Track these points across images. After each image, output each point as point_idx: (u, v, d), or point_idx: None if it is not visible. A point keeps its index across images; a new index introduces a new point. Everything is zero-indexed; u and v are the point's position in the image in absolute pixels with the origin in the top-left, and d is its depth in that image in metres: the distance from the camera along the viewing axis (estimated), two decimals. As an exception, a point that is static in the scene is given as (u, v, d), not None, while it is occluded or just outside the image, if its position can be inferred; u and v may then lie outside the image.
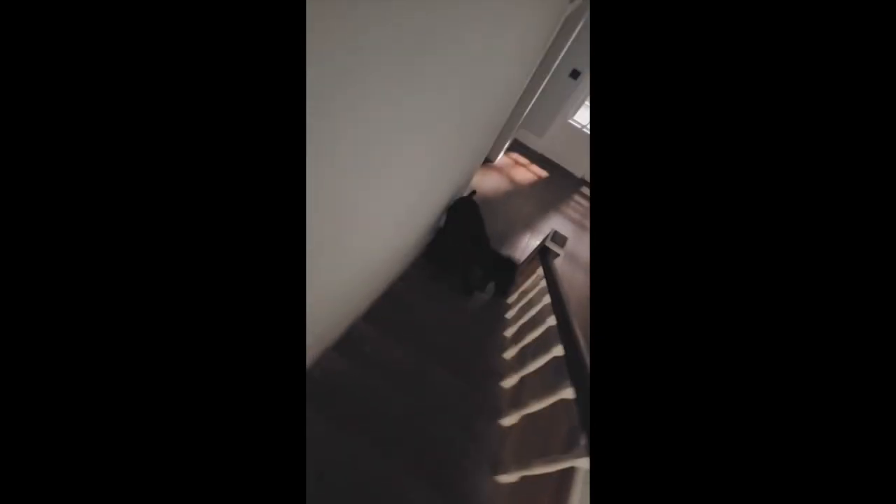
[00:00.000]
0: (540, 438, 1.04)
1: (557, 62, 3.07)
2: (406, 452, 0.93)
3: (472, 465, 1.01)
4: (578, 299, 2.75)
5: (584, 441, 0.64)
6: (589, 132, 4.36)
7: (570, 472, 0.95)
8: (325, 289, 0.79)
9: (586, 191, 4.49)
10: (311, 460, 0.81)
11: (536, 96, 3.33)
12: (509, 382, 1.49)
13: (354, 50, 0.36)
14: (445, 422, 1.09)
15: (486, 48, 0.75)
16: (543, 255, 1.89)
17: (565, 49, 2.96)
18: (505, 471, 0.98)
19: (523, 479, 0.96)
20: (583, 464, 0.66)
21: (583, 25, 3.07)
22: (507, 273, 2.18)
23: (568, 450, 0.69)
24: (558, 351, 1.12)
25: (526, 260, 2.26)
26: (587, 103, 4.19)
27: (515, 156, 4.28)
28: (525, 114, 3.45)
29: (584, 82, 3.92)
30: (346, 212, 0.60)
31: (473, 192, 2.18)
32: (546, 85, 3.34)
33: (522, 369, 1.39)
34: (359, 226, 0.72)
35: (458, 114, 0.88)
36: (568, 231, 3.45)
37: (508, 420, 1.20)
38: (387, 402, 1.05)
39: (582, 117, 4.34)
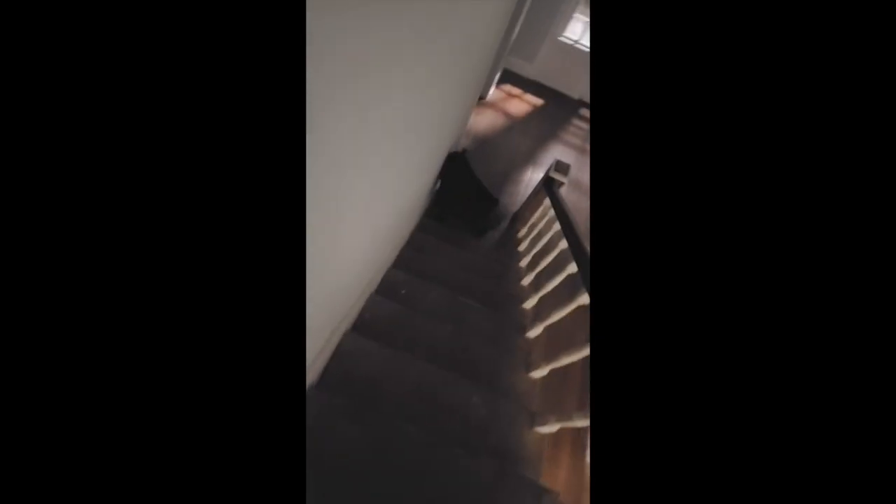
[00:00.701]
0: (563, 339, 1.23)
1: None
2: (455, 365, 1.14)
3: (508, 369, 1.22)
4: (586, 225, 2.87)
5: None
6: (582, 47, 4.13)
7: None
8: (363, 241, 0.93)
9: (585, 113, 4.37)
10: (379, 377, 1.02)
11: (522, 18, 3.15)
12: (530, 304, 1.69)
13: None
14: (481, 340, 1.29)
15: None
16: (549, 185, 1.98)
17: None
18: (536, 368, 1.19)
19: (552, 371, 1.17)
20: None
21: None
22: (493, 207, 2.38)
23: (585, 341, 0.86)
24: (572, 269, 1.27)
25: (532, 193, 2.35)
26: (575, 16, 3.92)
27: (508, 87, 4.13)
28: (513, 40, 3.29)
29: (572, -8, 3.64)
30: (368, 173, 0.70)
31: (464, 151, 2.24)
32: (530, 4, 3.13)
33: (540, 291, 1.57)
34: (377, 185, 0.82)
35: (449, 60, 0.93)
36: (570, 158, 3.46)
37: (533, 332, 1.41)
38: (433, 332, 1.25)
39: (572, 32, 4.09)
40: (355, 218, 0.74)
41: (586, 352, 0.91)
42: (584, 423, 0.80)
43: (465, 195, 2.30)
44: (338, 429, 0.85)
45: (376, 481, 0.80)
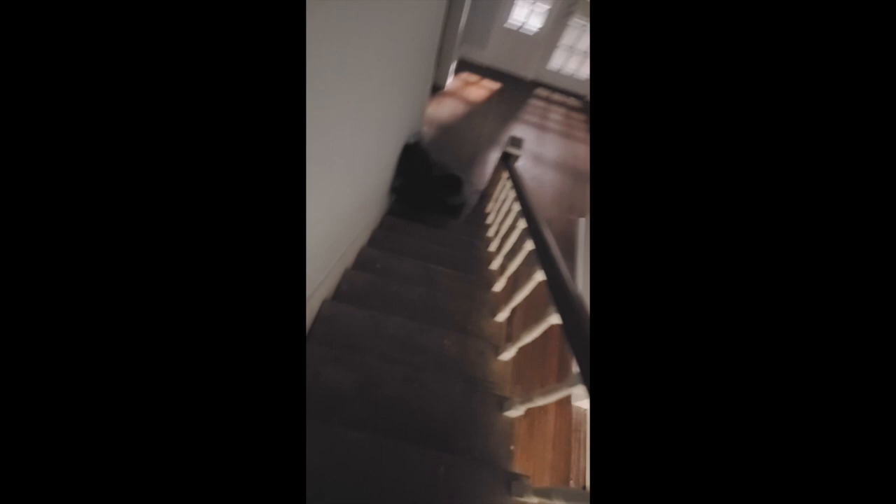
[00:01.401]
0: (521, 284, 1.37)
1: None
2: (431, 318, 1.28)
3: (476, 316, 1.37)
4: (552, 196, 3.04)
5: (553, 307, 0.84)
6: (528, 31, 4.30)
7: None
8: (336, 219, 1.06)
9: (540, 92, 4.56)
10: (358, 332, 1.15)
11: (467, 8, 3.29)
12: (496, 264, 1.84)
13: None
14: (452, 297, 1.44)
15: None
16: (505, 160, 2.13)
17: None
18: (499, 312, 1.34)
19: (512, 312, 1.33)
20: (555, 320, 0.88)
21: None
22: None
23: (545, 315, 0.92)
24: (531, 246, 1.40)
25: (494, 170, 2.50)
26: (518, 2, 4.08)
27: (465, 75, 4.28)
28: (461, 29, 3.43)
29: (512, -22, 3.80)
30: (334, 162, 0.82)
31: (416, 142, 2.23)
32: (473, -8, 3.28)
33: (503, 251, 1.73)
34: (340, 171, 0.94)
35: (383, 54, 1.07)
36: (530, 134, 3.64)
37: (499, 286, 1.56)
38: (407, 295, 1.39)
39: (517, 18, 4.26)
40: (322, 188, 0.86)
41: (535, 284, 1.07)
42: (531, 337, 0.96)
43: (428, 184, 2.33)
44: (322, 373, 0.99)
45: (361, 412, 0.93)
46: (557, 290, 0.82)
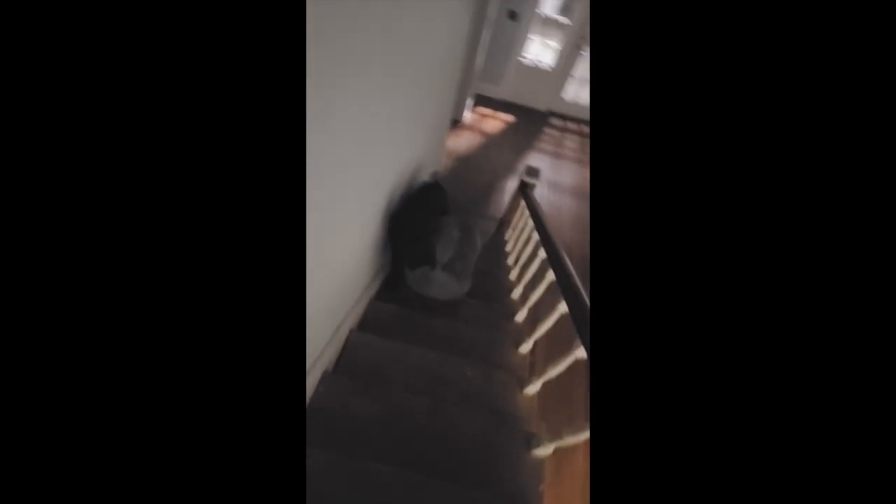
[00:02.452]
0: (543, 313, 1.36)
1: (496, 9, 3.20)
2: (451, 348, 1.29)
3: (500, 347, 1.37)
4: (570, 222, 3.04)
5: (577, 340, 0.84)
6: (542, 65, 4.48)
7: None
8: (349, 244, 1.11)
9: (554, 122, 4.67)
10: (382, 363, 1.17)
11: (486, 47, 3.48)
12: (517, 293, 1.84)
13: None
14: (475, 327, 1.44)
15: (423, 20, 0.94)
16: (522, 189, 2.17)
17: (495, -6, 3.08)
18: (523, 343, 1.34)
19: (535, 344, 1.32)
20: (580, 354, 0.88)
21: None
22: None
23: (570, 348, 0.93)
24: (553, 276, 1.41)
25: (511, 198, 2.55)
26: (532, 37, 4.28)
27: (481, 109, 4.45)
28: (478, 67, 3.61)
29: (523, 20, 4.02)
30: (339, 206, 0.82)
31: (434, 175, 1.86)
32: (492, 35, 3.47)
33: (523, 279, 1.73)
34: (346, 214, 0.93)
35: (412, 89, 1.14)
36: (545, 162, 3.70)
37: (521, 316, 1.56)
38: (428, 322, 1.41)
39: (531, 53, 4.45)
40: (342, 223, 0.92)
41: (558, 315, 1.07)
42: (556, 371, 0.95)
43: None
44: (350, 405, 1.00)
45: (387, 444, 0.93)
46: (582, 324, 0.82)
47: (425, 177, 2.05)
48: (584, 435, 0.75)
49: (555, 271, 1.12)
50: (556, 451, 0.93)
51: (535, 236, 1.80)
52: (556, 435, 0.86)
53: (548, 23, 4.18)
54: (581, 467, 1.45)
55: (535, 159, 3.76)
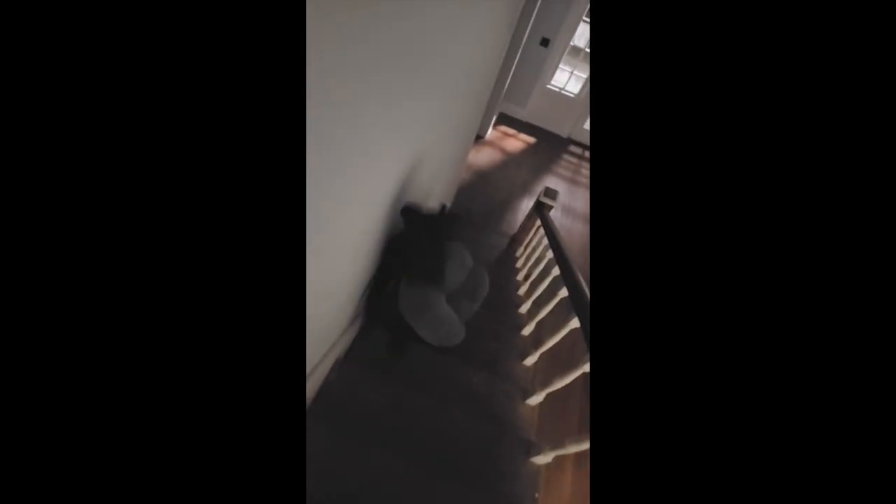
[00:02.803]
0: (549, 328, 1.39)
1: (528, 33, 3.32)
2: (465, 354, 1.32)
3: (507, 355, 1.40)
4: (580, 247, 3.09)
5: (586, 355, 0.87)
6: (568, 93, 4.60)
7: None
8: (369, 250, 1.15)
9: (573, 149, 4.76)
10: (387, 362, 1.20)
11: (514, 69, 3.59)
12: (525, 308, 1.87)
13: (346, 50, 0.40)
14: (487, 339, 1.48)
15: (468, 38, 0.94)
16: (539, 209, 2.23)
17: (532, 19, 3.21)
18: (530, 355, 1.36)
19: (542, 355, 1.34)
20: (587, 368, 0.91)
21: (544, -4, 3.30)
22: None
23: (577, 363, 0.97)
24: (557, 272, 1.47)
25: (526, 217, 2.60)
26: (560, 66, 4.41)
27: (503, 128, 4.55)
28: (506, 87, 3.72)
29: (554, 48, 4.15)
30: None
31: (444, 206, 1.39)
32: (520, 57, 3.59)
33: (533, 294, 1.77)
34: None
35: (449, 100, 1.19)
36: (561, 187, 3.77)
37: (527, 330, 1.58)
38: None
39: (558, 81, 4.57)
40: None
41: (566, 331, 1.10)
42: (562, 383, 0.98)
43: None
44: (359, 394, 1.03)
45: (390, 434, 0.96)
46: (595, 340, 0.85)
47: (434, 203, 1.70)
48: (582, 446, 0.78)
49: (568, 288, 1.16)
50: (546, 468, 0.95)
51: (548, 255, 1.85)
52: (559, 444, 0.88)
53: (577, 52, 4.31)
54: (568, 480, 1.45)
55: (551, 182, 3.83)
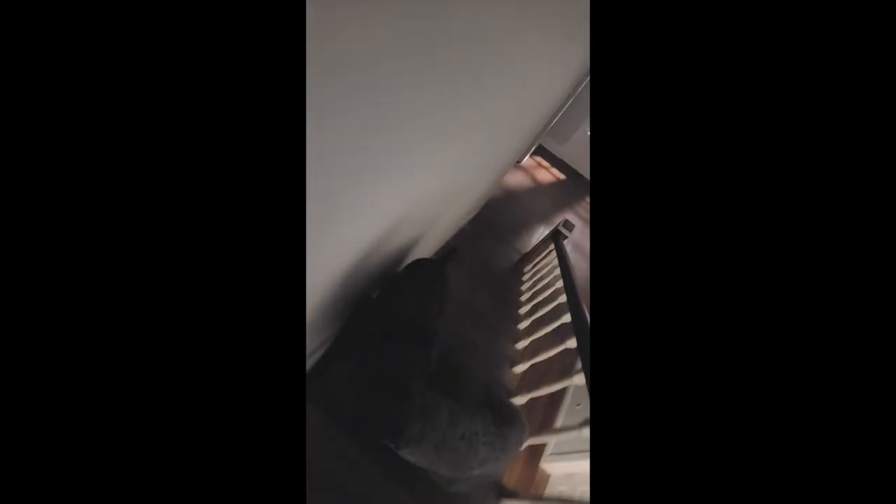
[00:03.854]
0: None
1: (588, 80, 3.62)
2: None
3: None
4: (579, 282, 3.35)
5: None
6: (606, 144, 4.91)
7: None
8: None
9: (598, 196, 5.06)
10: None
11: (565, 107, 3.89)
12: (523, 325, 2.11)
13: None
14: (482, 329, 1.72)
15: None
16: (555, 237, 2.49)
17: (593, 73, 3.51)
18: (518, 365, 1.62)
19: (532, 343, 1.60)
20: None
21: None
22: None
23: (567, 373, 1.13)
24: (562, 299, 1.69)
25: (540, 241, 2.86)
26: (608, 119, 4.72)
27: (539, 159, 4.86)
28: (552, 123, 4.02)
29: (607, 100, 4.47)
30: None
31: (454, 250, 1.38)
32: (575, 98, 3.90)
33: (532, 302, 2.01)
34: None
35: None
36: (577, 224, 4.05)
37: (521, 345, 1.83)
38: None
39: (602, 130, 4.89)
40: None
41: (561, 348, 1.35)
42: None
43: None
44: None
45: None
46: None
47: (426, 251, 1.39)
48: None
49: (572, 314, 1.40)
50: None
51: (556, 283, 2.07)
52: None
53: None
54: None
55: (569, 217, 4.12)
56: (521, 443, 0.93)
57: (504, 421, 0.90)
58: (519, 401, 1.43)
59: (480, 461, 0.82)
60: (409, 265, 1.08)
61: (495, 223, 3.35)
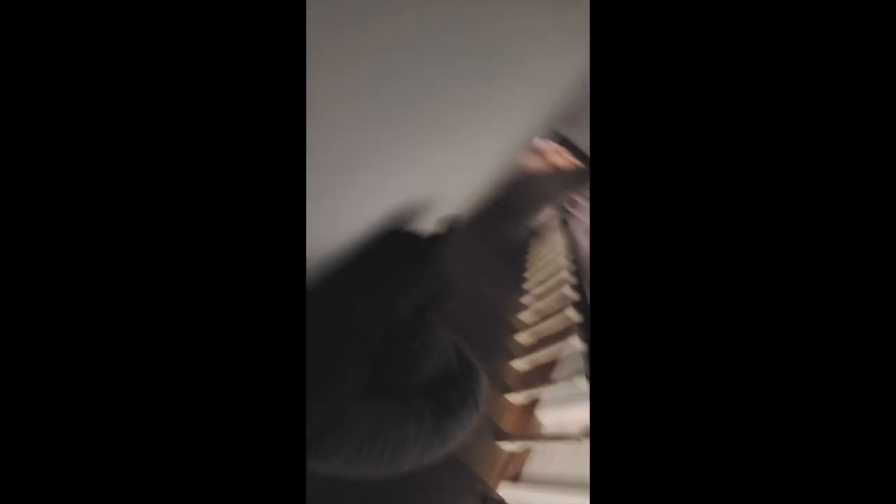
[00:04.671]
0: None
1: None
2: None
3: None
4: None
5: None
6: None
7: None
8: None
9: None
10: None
11: (588, 99, 3.93)
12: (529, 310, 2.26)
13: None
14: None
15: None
16: (565, 222, 2.63)
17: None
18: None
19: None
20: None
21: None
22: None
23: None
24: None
25: (547, 220, 3.00)
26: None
27: (556, 146, 4.94)
28: (572, 108, 4.08)
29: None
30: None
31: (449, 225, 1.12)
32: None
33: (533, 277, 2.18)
34: None
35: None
36: (585, 210, 4.20)
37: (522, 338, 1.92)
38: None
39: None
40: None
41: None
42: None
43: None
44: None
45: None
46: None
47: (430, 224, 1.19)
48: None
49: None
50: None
51: (564, 274, 2.10)
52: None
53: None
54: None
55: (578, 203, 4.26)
56: (467, 428, 0.83)
57: (447, 409, 0.81)
58: (520, 365, 1.55)
59: (414, 461, 0.75)
60: (384, 238, 0.86)
61: (502, 198, 3.49)
